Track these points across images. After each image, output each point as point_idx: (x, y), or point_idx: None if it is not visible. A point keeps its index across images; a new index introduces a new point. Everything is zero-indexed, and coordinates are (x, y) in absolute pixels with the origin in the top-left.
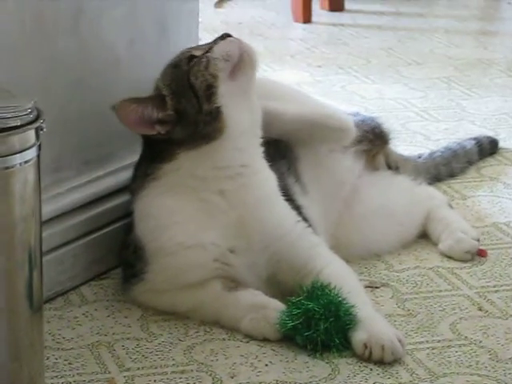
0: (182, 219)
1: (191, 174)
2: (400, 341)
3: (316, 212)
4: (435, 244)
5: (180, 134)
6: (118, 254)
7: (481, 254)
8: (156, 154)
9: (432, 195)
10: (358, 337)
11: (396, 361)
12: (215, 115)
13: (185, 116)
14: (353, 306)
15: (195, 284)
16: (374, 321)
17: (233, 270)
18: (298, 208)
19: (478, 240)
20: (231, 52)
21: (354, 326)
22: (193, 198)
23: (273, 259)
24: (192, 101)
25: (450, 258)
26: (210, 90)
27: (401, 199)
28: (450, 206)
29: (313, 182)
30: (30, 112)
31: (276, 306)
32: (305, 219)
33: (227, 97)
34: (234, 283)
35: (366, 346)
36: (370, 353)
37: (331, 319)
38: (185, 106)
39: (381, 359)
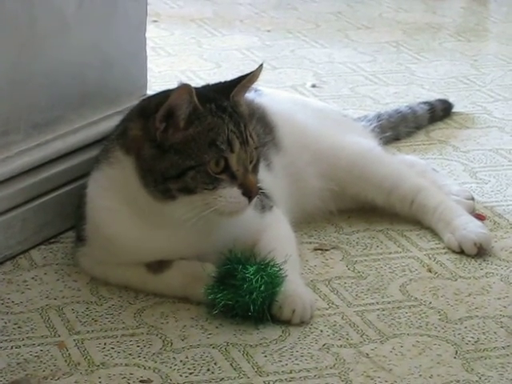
0: (125, 212)
1: None
2: (311, 307)
3: (279, 188)
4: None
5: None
6: (74, 210)
7: (479, 217)
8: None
9: (411, 162)
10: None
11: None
12: None
13: None
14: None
15: (124, 264)
16: (293, 285)
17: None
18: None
19: (473, 199)
20: None
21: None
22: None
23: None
24: None
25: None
26: None
27: None
28: (435, 170)
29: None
30: None
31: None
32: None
33: None
34: (159, 264)
35: (280, 307)
36: (282, 313)
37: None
38: None
39: (288, 321)
